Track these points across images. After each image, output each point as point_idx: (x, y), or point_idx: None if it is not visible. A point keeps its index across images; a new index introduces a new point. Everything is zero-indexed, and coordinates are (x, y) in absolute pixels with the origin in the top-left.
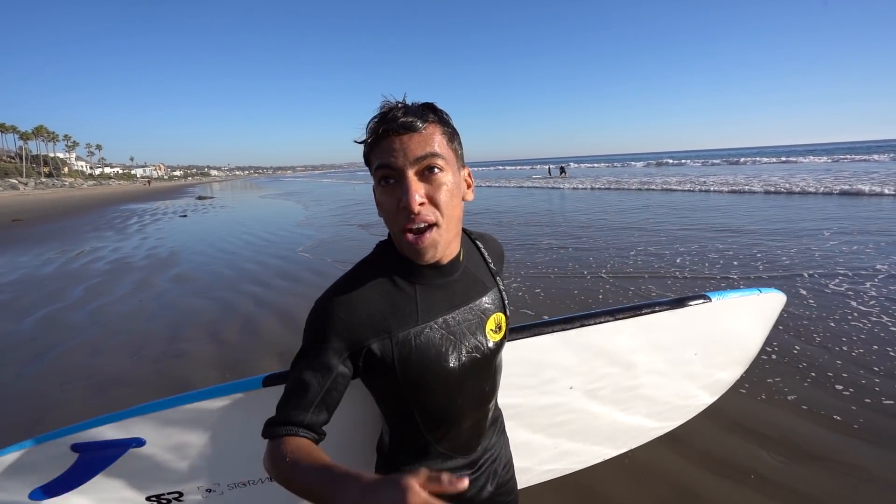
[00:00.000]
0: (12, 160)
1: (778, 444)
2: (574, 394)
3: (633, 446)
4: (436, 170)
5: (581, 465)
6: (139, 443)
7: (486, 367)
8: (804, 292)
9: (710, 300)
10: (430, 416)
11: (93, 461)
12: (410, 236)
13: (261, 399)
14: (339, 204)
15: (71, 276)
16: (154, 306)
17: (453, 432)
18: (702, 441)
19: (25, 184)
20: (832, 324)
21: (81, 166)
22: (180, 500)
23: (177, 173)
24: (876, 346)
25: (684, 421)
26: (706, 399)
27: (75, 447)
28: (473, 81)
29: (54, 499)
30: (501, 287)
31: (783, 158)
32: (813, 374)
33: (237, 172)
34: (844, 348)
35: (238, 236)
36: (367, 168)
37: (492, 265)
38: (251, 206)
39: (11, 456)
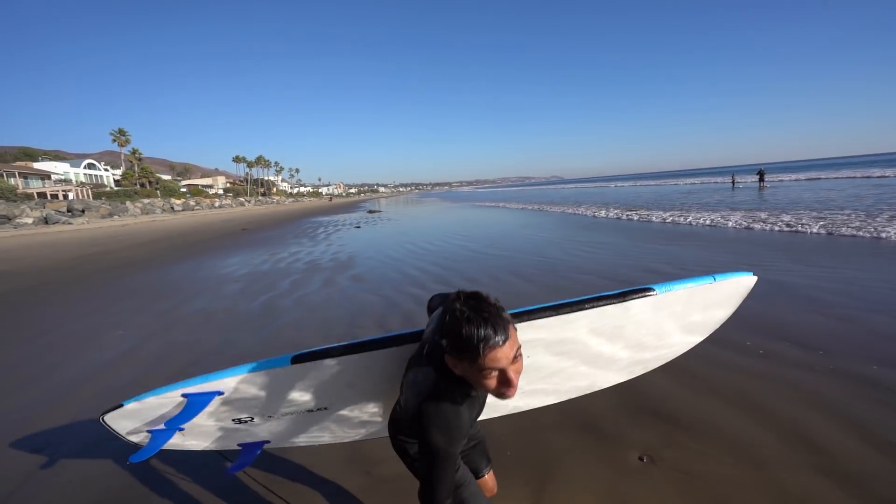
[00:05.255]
0: (241, 184)
1: None
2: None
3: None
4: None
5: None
6: (220, 393)
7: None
8: None
9: (655, 292)
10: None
11: (196, 404)
12: (503, 393)
13: (287, 372)
14: (497, 229)
15: (280, 272)
16: (338, 299)
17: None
18: (886, 487)
19: (249, 201)
20: None
21: (285, 186)
22: (252, 422)
23: (352, 190)
24: None
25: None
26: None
27: (185, 395)
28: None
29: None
30: None
31: None
32: None
33: (401, 189)
34: None
35: (402, 245)
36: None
37: None
38: (414, 219)
39: (153, 399)
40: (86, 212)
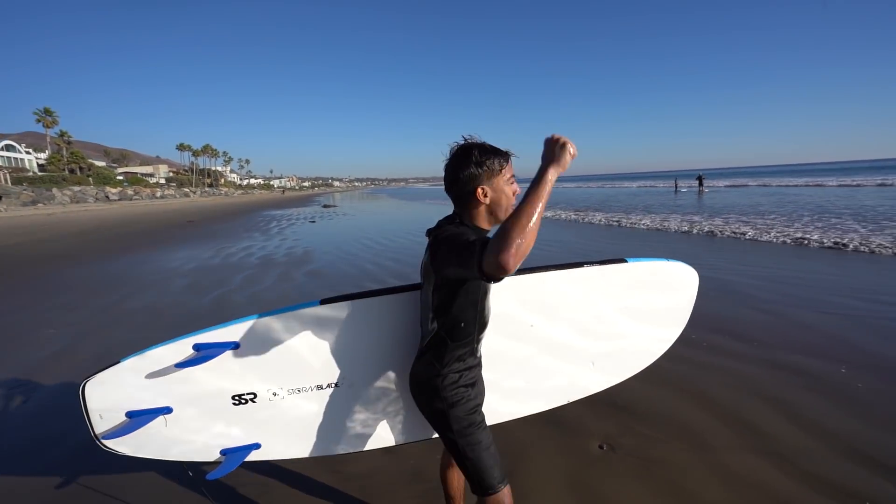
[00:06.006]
0: (186, 173)
1: None
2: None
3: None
4: None
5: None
6: (235, 346)
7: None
8: None
9: (626, 262)
10: (482, 321)
11: (207, 355)
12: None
13: (317, 313)
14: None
15: (232, 267)
16: (294, 295)
17: (480, 339)
18: (812, 462)
19: (195, 192)
20: None
21: (234, 178)
22: (254, 401)
23: (306, 184)
24: None
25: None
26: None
27: (195, 346)
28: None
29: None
30: None
31: None
32: None
33: (356, 183)
34: None
35: (359, 240)
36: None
37: None
38: (370, 214)
39: (161, 350)
40: (3, 198)
